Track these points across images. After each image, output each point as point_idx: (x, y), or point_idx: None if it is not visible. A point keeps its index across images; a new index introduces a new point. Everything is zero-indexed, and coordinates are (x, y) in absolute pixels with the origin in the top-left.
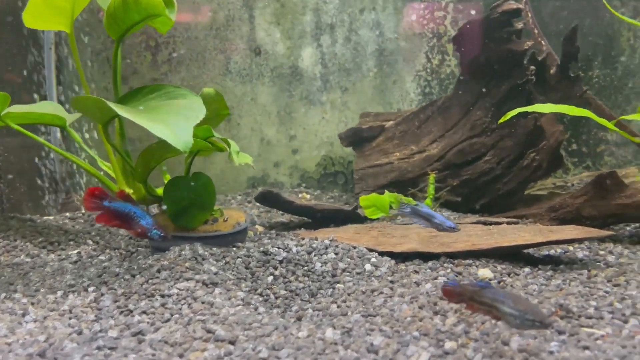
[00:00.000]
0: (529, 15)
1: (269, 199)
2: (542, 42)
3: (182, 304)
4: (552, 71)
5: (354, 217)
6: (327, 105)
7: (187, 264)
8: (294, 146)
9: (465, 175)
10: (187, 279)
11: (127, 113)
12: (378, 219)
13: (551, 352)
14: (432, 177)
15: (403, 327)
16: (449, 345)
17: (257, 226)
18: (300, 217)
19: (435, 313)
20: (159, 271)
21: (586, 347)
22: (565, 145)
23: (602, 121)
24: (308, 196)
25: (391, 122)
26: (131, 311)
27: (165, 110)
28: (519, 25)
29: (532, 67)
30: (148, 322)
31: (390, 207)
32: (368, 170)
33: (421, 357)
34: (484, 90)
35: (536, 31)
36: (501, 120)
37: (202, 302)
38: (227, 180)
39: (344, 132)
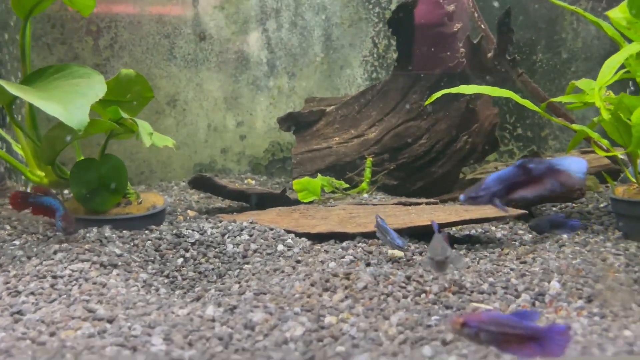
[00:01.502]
0: None
1: (203, 184)
2: (482, 25)
3: (73, 285)
4: (489, 54)
5: (283, 200)
6: (275, 90)
7: (86, 246)
8: (242, 132)
9: (401, 159)
10: (83, 261)
11: (21, 92)
12: (311, 202)
13: (429, 326)
14: (369, 161)
15: (288, 303)
16: (328, 320)
17: (188, 211)
18: (239, 202)
19: (325, 290)
20: (55, 253)
21: None
22: (510, 129)
23: (525, 102)
24: (253, 182)
25: (332, 107)
26: (19, 292)
27: (65, 89)
28: (450, 7)
29: (462, 50)
30: (32, 303)
31: (322, 190)
32: (307, 154)
33: (296, 332)
34: (419, 73)
35: (476, 14)
36: (427, 102)
37: (94, 283)
38: (174, 167)
39: (282, 117)
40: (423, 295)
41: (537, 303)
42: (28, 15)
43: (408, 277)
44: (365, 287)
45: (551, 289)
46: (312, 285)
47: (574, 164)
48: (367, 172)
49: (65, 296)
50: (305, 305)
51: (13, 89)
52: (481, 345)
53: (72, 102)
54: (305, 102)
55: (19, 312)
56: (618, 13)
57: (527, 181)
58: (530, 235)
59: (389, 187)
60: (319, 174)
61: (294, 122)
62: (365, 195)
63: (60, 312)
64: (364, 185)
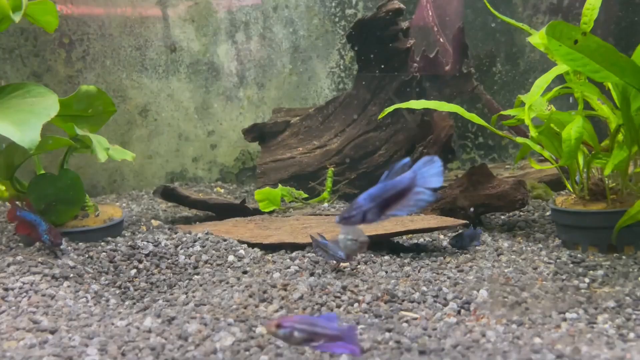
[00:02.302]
0: (430, 13)
1: (167, 194)
2: (441, 39)
3: (23, 297)
4: (447, 68)
5: (243, 211)
6: (245, 101)
7: (40, 259)
8: (213, 141)
9: (362, 169)
10: (35, 273)
11: None
12: (272, 211)
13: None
14: (330, 171)
15: (224, 314)
16: (259, 330)
17: (152, 220)
18: (204, 211)
19: (262, 300)
20: (8, 265)
21: (388, 329)
22: (472, 138)
23: (471, 116)
24: (222, 191)
25: (297, 118)
26: None
27: (20, 108)
28: (404, 24)
29: (415, 65)
30: None
31: (282, 201)
32: (271, 164)
33: (226, 342)
34: (378, 87)
35: (435, 29)
36: (380, 116)
37: (42, 295)
38: (146, 175)
39: (246, 128)
40: (356, 304)
41: (462, 311)
42: None
43: (344, 287)
44: (300, 298)
45: (479, 297)
46: (250, 296)
47: (432, 169)
48: (329, 182)
49: (14, 308)
50: (240, 316)
51: None
52: (294, 344)
53: (25, 122)
54: (272, 113)
55: None
56: (537, 39)
57: (398, 195)
58: (475, 243)
59: (350, 195)
60: (279, 184)
61: (258, 133)
62: (326, 204)
63: (7, 324)
64: (325, 194)
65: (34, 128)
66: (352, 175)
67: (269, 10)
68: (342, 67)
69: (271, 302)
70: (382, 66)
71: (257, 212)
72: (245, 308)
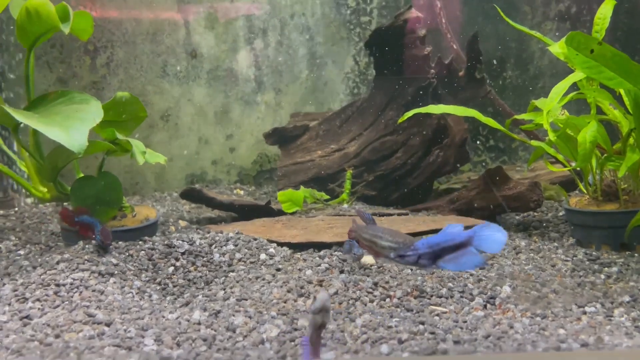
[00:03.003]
0: (444, 21)
1: (193, 196)
2: (454, 46)
3: (74, 292)
4: (461, 73)
5: (268, 211)
6: (262, 105)
7: (86, 257)
8: (231, 145)
9: (379, 171)
10: (83, 270)
11: (26, 119)
12: (295, 212)
13: (389, 327)
14: (349, 173)
15: (266, 308)
16: (301, 322)
17: (180, 221)
18: (227, 211)
19: (300, 295)
20: (58, 263)
21: (422, 322)
22: (483, 141)
23: (488, 120)
24: (242, 192)
25: (315, 122)
26: (27, 299)
27: (66, 114)
28: (422, 32)
29: (432, 71)
30: (39, 308)
31: (305, 201)
32: (291, 167)
33: (272, 333)
34: (395, 92)
35: (449, 35)
36: (400, 121)
37: (93, 290)
38: (167, 177)
39: (267, 132)
40: (388, 299)
41: (488, 305)
42: (32, 46)
43: (375, 284)
44: (336, 293)
45: (502, 292)
46: (288, 291)
47: (493, 237)
48: (347, 184)
49: (67, 302)
50: (281, 310)
51: (20, 116)
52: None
53: (73, 127)
54: (290, 117)
55: (27, 317)
56: (557, 48)
57: (452, 249)
58: None
59: (368, 197)
60: (301, 186)
61: (279, 136)
62: (345, 205)
63: (64, 317)
64: (344, 196)
65: (81, 133)
66: (369, 178)
67: (286, 18)
68: (356, 72)
69: (308, 297)
70: (400, 72)
71: (280, 212)
72: (285, 302)
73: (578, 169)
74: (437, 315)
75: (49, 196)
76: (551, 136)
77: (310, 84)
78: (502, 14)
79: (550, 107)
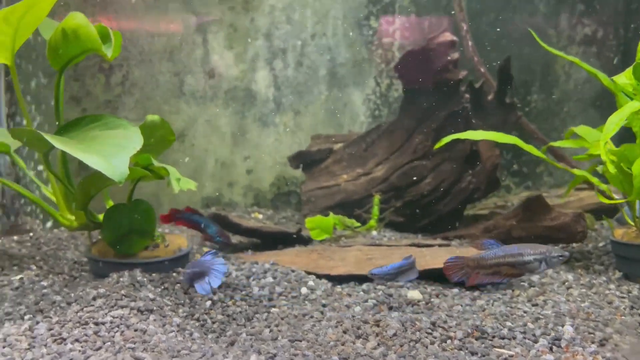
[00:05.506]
0: (470, 44)
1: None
2: (482, 69)
3: (115, 332)
4: (489, 97)
5: (298, 239)
6: (280, 126)
7: (123, 291)
8: (248, 166)
9: (408, 197)
10: (122, 307)
11: (63, 145)
12: (323, 240)
13: None
14: (376, 199)
15: (325, 351)
16: None
17: (204, 249)
18: (250, 238)
19: (358, 337)
20: (94, 299)
21: None
22: (507, 165)
23: (529, 148)
24: (260, 216)
25: (339, 145)
26: (64, 339)
27: (103, 141)
28: (455, 55)
29: (467, 96)
30: (79, 351)
31: (334, 229)
32: (316, 191)
33: None
34: (424, 116)
35: (476, 59)
36: (437, 146)
37: (135, 330)
38: (182, 200)
39: (292, 155)
40: (449, 341)
41: (554, 348)
42: (64, 68)
43: (433, 323)
44: (395, 334)
45: (565, 333)
46: (344, 332)
47: None
48: (375, 210)
49: (110, 343)
50: (341, 353)
51: (56, 142)
52: None
53: (112, 154)
54: (311, 139)
55: None
56: (624, 79)
57: None
58: (537, 276)
59: (396, 224)
60: (330, 213)
61: (303, 160)
62: (374, 232)
63: None
64: (372, 222)
65: (122, 161)
66: (397, 204)
67: (306, 38)
68: (378, 94)
69: (367, 339)
70: (431, 96)
71: (308, 240)
72: (343, 345)
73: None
74: (505, 359)
75: (77, 224)
76: (611, 169)
77: (330, 105)
78: (537, 38)
79: (608, 137)
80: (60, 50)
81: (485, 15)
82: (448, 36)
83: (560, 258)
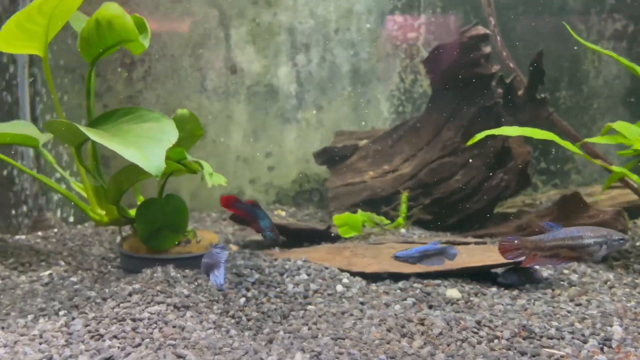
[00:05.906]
0: (498, 38)
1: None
2: (511, 64)
3: (154, 328)
4: (519, 93)
5: (326, 236)
6: (303, 123)
7: (158, 287)
8: (270, 163)
9: (436, 194)
10: (159, 303)
11: (99, 137)
12: (351, 237)
13: None
14: (404, 196)
15: (371, 350)
16: None
17: (231, 245)
18: (282, 236)
19: (403, 336)
20: (130, 295)
21: None
22: (534, 163)
23: (566, 144)
24: (283, 213)
25: (365, 141)
26: (102, 336)
27: (138, 133)
28: (487, 49)
29: (500, 91)
30: (119, 347)
31: (363, 226)
32: (342, 188)
33: None
34: (454, 111)
35: (505, 54)
36: (469, 143)
37: (173, 326)
38: (202, 197)
39: (317, 151)
40: (496, 340)
41: (605, 348)
42: (95, 59)
43: (478, 322)
44: (440, 333)
45: (615, 333)
46: (388, 330)
47: None
48: (403, 207)
49: (149, 340)
50: (387, 352)
51: (92, 134)
52: None
53: (148, 147)
54: (335, 136)
55: (111, 358)
56: None
57: None
58: (576, 275)
59: (424, 221)
60: (359, 210)
61: (328, 156)
62: (403, 230)
63: (151, 358)
64: (400, 220)
65: (158, 154)
66: (426, 201)
67: (330, 32)
68: (402, 90)
69: (413, 338)
70: (461, 91)
71: (336, 238)
72: (388, 343)
73: None
74: (557, 359)
75: (107, 219)
76: None
77: (354, 101)
78: (573, 33)
79: None
80: (93, 41)
81: (512, 10)
82: (480, 29)
83: (621, 242)
